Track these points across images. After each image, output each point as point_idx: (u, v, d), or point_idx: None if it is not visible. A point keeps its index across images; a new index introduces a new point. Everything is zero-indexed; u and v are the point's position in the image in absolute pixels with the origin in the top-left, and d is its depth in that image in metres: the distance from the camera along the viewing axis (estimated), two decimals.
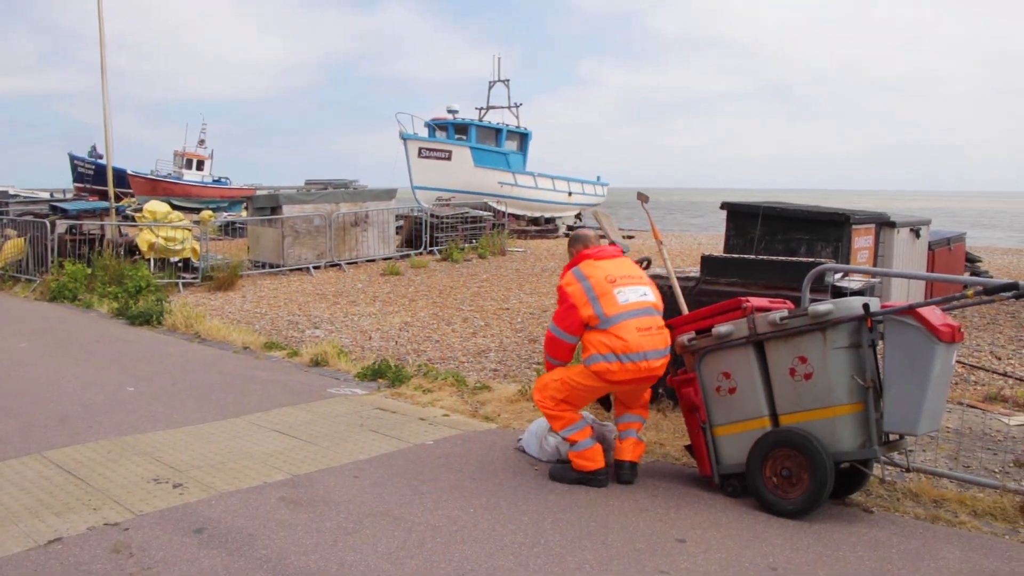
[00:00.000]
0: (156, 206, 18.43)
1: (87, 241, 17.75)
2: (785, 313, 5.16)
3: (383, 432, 6.91)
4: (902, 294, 11.02)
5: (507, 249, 23.44)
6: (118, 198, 25.81)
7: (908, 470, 5.60)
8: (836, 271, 6.66)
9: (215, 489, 5.51)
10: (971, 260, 17.47)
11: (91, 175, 52.84)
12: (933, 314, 4.87)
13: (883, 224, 10.95)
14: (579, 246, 5.94)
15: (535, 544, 4.67)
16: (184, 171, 54.71)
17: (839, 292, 6.59)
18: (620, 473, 5.75)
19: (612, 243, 6.35)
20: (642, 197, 7.17)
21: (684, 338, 5.60)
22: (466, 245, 22.63)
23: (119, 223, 19.52)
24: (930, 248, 13.03)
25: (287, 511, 5.14)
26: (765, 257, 7.51)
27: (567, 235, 31.01)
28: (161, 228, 17.61)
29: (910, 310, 4.86)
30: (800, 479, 5.06)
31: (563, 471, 5.77)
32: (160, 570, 4.32)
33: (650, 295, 5.69)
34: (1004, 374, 8.29)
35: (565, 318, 5.60)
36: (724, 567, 4.41)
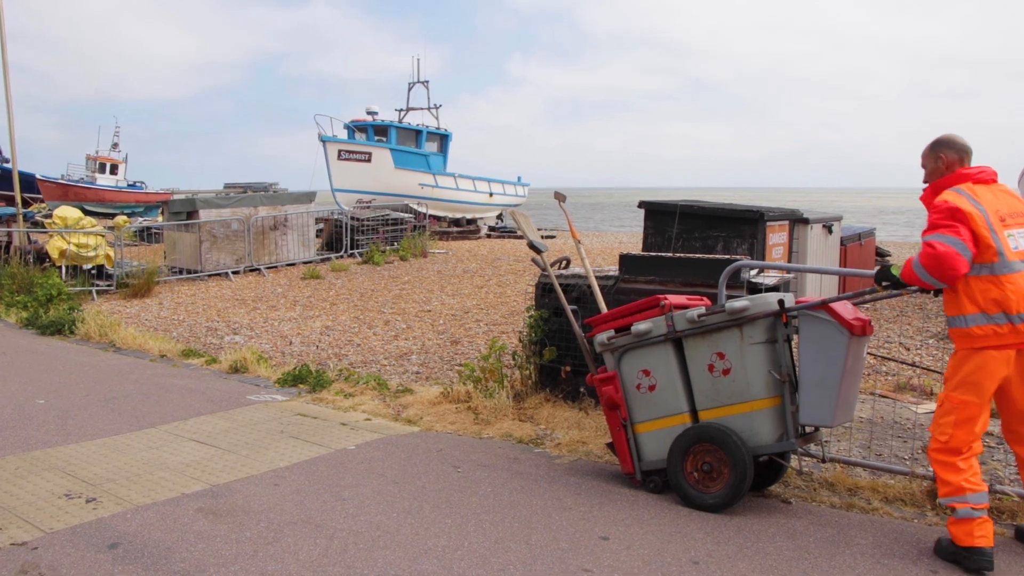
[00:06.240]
0: (67, 212, 17.95)
1: None
2: (702, 310, 5.22)
3: (304, 438, 6.81)
4: (816, 289, 11.28)
5: (428, 251, 23.35)
6: (26, 203, 25.02)
7: (824, 460, 5.73)
8: (751, 268, 6.77)
9: (130, 502, 5.36)
10: (881, 255, 17.96)
11: None
12: (844, 308, 4.99)
13: (796, 221, 11.20)
14: (952, 155, 4.63)
15: (459, 547, 4.65)
16: (97, 175, 53.20)
17: (755, 288, 6.70)
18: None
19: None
20: (559, 196, 7.22)
21: (603, 336, 5.63)
22: (387, 247, 22.49)
23: (27, 229, 18.93)
24: (842, 243, 13.37)
25: (206, 522, 5.02)
26: (682, 255, 7.61)
27: (492, 233, 31.18)
28: (73, 234, 17.14)
29: (822, 305, 4.97)
30: (720, 473, 5.14)
31: (946, 546, 4.54)
32: None
33: None
34: (912, 364, 8.54)
35: (955, 232, 4.30)
36: (647, 563, 4.45)
